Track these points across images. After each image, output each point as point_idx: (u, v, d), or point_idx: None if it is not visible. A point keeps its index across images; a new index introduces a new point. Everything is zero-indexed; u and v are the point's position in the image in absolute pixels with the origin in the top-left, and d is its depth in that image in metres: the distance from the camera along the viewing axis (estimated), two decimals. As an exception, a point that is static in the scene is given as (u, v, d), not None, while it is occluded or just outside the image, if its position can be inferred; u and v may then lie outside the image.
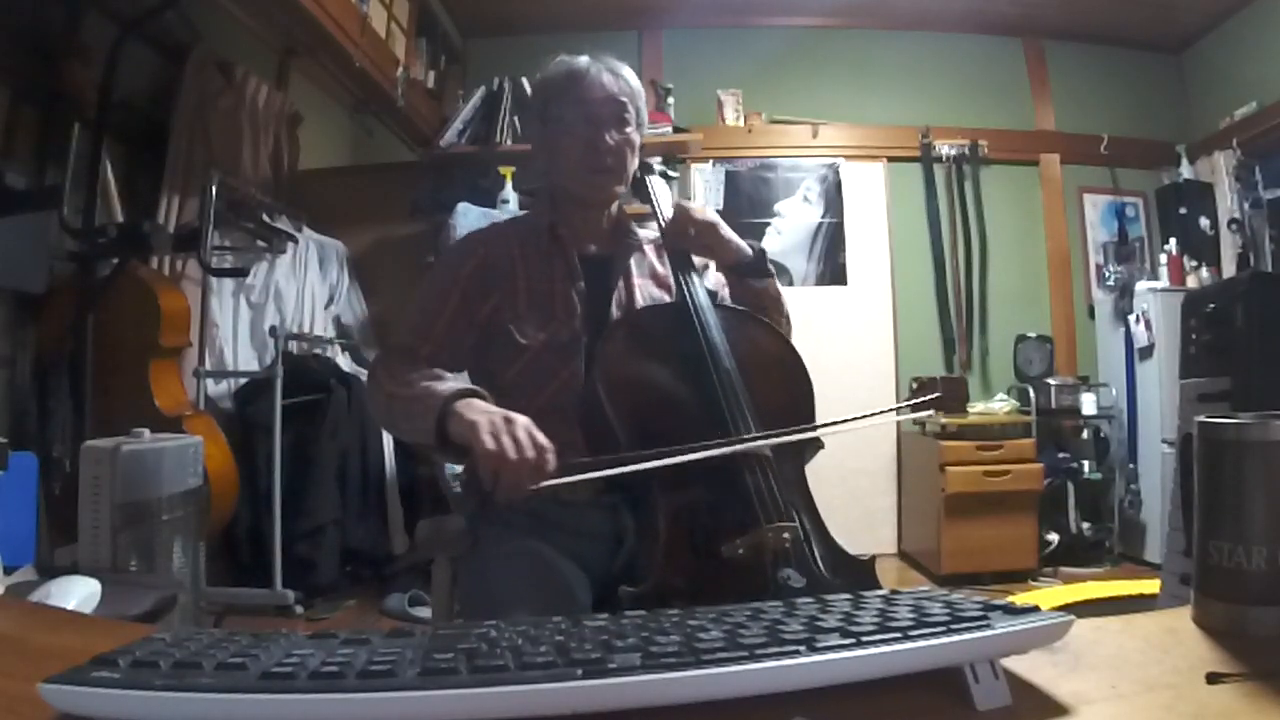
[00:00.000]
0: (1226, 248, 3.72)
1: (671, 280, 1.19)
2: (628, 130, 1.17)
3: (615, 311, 1.17)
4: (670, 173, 3.40)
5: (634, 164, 1.21)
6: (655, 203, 1.24)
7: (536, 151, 1.23)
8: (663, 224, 1.21)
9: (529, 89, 3.59)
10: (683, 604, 0.83)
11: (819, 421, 1.08)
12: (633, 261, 1.23)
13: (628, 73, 1.19)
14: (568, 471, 0.91)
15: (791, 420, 1.04)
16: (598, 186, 1.18)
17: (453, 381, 1.03)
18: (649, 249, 1.27)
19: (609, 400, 1.00)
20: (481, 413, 0.93)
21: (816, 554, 0.93)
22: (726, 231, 1.18)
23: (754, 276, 1.20)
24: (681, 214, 1.18)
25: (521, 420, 0.91)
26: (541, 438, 0.90)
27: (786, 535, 0.89)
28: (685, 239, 1.17)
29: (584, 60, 1.17)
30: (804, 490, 1.01)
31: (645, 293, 1.21)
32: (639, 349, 1.08)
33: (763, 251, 1.21)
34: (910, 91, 4.02)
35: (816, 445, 1.07)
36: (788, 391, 1.11)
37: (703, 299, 1.11)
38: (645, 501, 0.96)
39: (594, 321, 1.14)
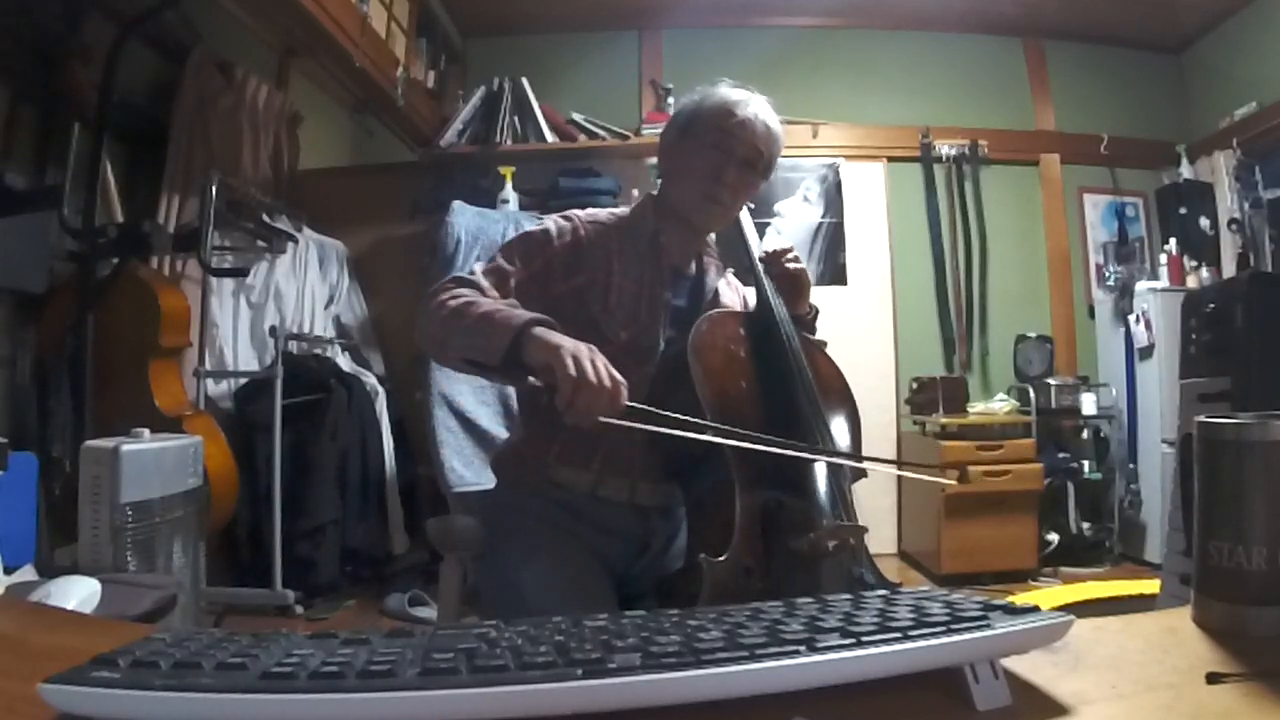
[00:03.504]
0: (1226, 248, 3.72)
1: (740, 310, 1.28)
2: (753, 176, 1.21)
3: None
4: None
5: (742, 207, 1.27)
6: (744, 234, 1.29)
7: (663, 159, 1.27)
8: (755, 252, 1.27)
9: (528, 91, 3.62)
10: (755, 583, 0.91)
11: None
12: (718, 286, 1.29)
13: (777, 127, 1.22)
14: (642, 420, 0.95)
15: (850, 440, 1.15)
16: (706, 213, 1.22)
17: (524, 310, 1.04)
18: (730, 280, 1.33)
19: (697, 379, 1.05)
20: (566, 339, 0.97)
21: (868, 559, 1.00)
22: (807, 287, 1.27)
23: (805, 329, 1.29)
24: (784, 251, 1.26)
25: (600, 354, 0.95)
26: (618, 374, 0.94)
27: (853, 539, 0.96)
28: (783, 269, 1.24)
29: (745, 95, 1.21)
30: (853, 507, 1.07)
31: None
32: (729, 342, 1.14)
33: (817, 311, 1.32)
34: (910, 91, 4.02)
35: (861, 472, 1.17)
36: (845, 413, 1.20)
37: (786, 313, 1.18)
38: (720, 482, 1.00)
39: (674, 333, 1.18)
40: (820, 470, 1.02)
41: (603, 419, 0.92)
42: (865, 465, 1.05)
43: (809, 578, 0.92)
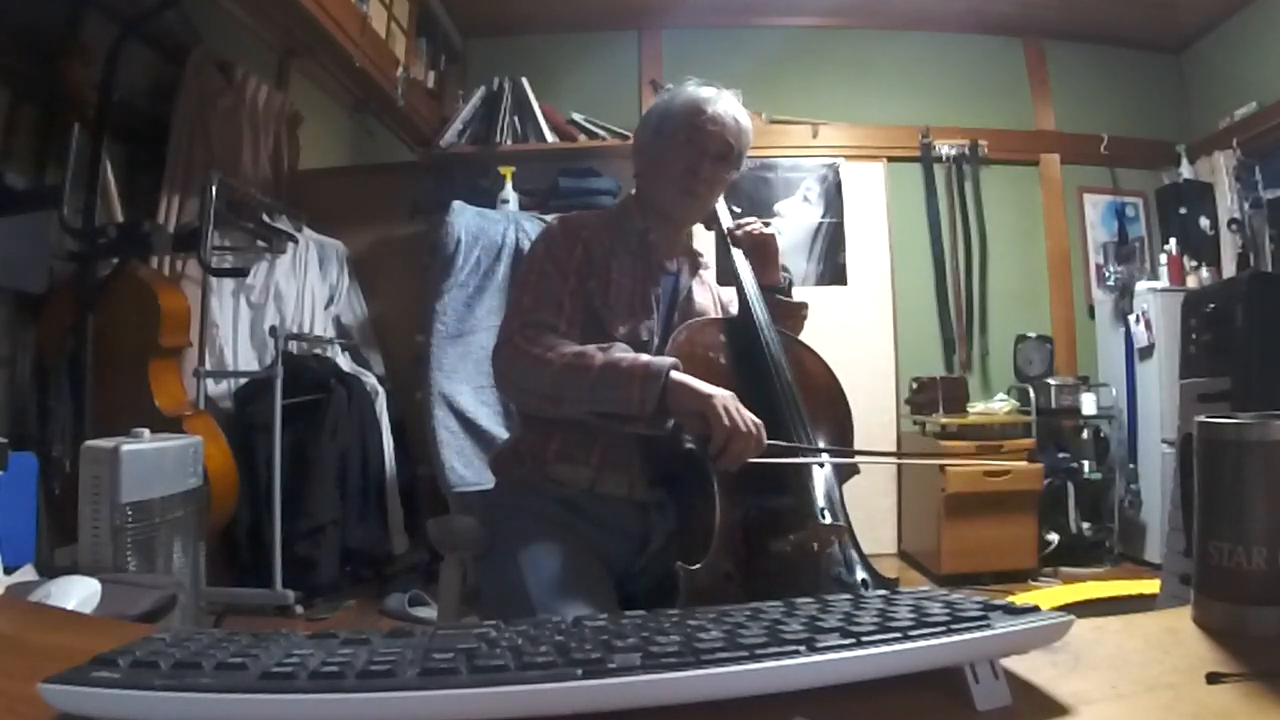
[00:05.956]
0: (1226, 248, 3.72)
1: (716, 311, 1.31)
2: (726, 168, 1.25)
3: (678, 321, 1.24)
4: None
5: (718, 199, 1.31)
6: (720, 224, 1.33)
7: (639, 157, 1.30)
8: (726, 233, 1.30)
9: (528, 91, 3.62)
10: (735, 588, 0.92)
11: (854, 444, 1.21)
12: (694, 283, 1.32)
13: (746, 120, 1.26)
14: (770, 454, 1.00)
15: (838, 440, 1.15)
16: (685, 207, 1.26)
17: (642, 354, 1.09)
18: (703, 278, 1.36)
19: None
20: (711, 388, 1.02)
21: (857, 560, 0.99)
22: (777, 254, 1.32)
23: (784, 296, 1.34)
24: (749, 222, 1.31)
25: (738, 400, 1.01)
26: (758, 420, 1.00)
27: (835, 538, 0.96)
28: (749, 239, 1.29)
29: (714, 92, 1.25)
30: (844, 507, 1.07)
31: (701, 312, 1.29)
32: (708, 349, 1.17)
33: (791, 280, 1.36)
34: (910, 91, 4.02)
35: (854, 470, 1.17)
36: (834, 412, 1.21)
37: (766, 316, 1.20)
38: (701, 488, 1.01)
39: (662, 327, 1.23)
40: (804, 471, 1.03)
41: (752, 459, 0.97)
42: (876, 461, 1.06)
43: (792, 580, 0.92)
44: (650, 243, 1.26)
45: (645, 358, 1.06)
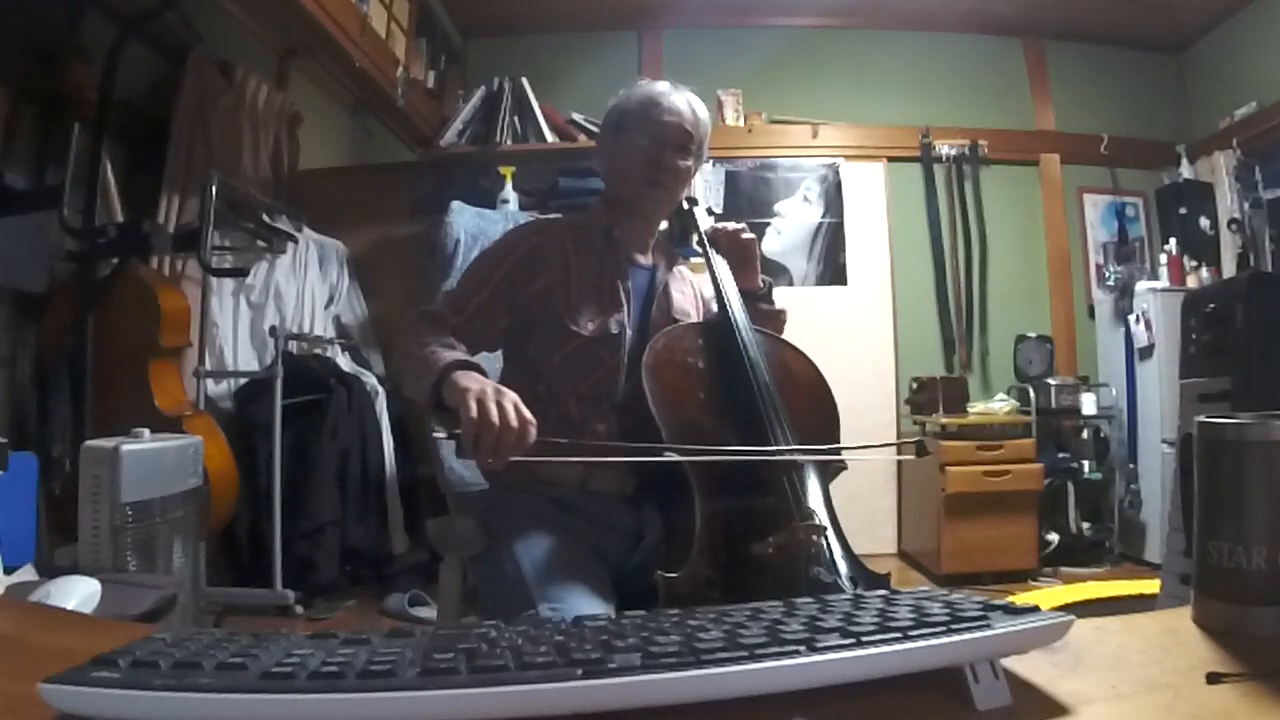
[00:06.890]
0: (1226, 248, 3.72)
1: (696, 307, 1.33)
2: (688, 158, 1.28)
3: (655, 315, 1.26)
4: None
5: (684, 189, 1.32)
6: (699, 230, 1.34)
7: (602, 158, 1.34)
8: (705, 243, 1.31)
9: (528, 91, 3.63)
10: (715, 594, 0.91)
11: (841, 441, 1.19)
12: (669, 277, 1.33)
13: (703, 111, 1.30)
14: (555, 451, 0.98)
15: (823, 437, 1.14)
16: (652, 199, 1.28)
17: (459, 352, 1.08)
18: (683, 273, 1.38)
19: (652, 397, 1.07)
20: (475, 381, 0.98)
21: (842, 558, 0.98)
22: (756, 259, 1.34)
23: (762, 302, 1.34)
24: (730, 226, 1.34)
25: (511, 394, 0.96)
26: (527, 413, 0.95)
27: (815, 536, 0.95)
28: (729, 241, 1.31)
29: (667, 86, 1.30)
30: (829, 505, 1.06)
31: (680, 307, 1.30)
32: (686, 355, 1.17)
33: (771, 284, 1.38)
34: (910, 91, 4.02)
35: (840, 466, 1.16)
36: (818, 410, 1.20)
37: (744, 318, 1.19)
38: (682, 495, 1.01)
39: (637, 320, 1.24)
40: (781, 471, 1.02)
41: (514, 458, 0.92)
42: (806, 459, 1.05)
43: (774, 583, 0.91)
44: (616, 238, 1.27)
45: (450, 355, 1.05)
